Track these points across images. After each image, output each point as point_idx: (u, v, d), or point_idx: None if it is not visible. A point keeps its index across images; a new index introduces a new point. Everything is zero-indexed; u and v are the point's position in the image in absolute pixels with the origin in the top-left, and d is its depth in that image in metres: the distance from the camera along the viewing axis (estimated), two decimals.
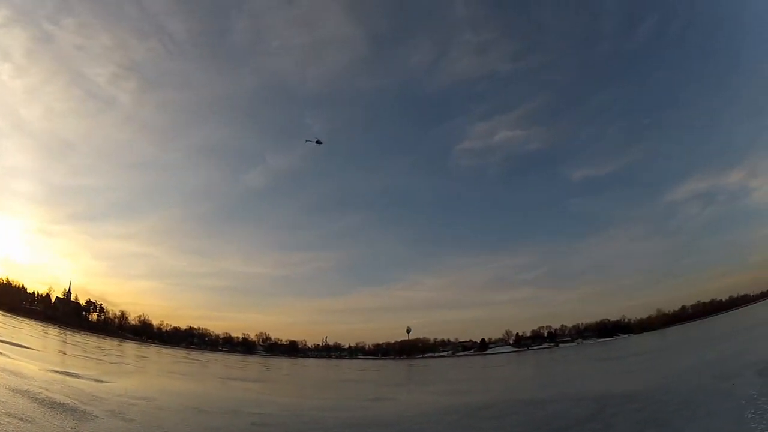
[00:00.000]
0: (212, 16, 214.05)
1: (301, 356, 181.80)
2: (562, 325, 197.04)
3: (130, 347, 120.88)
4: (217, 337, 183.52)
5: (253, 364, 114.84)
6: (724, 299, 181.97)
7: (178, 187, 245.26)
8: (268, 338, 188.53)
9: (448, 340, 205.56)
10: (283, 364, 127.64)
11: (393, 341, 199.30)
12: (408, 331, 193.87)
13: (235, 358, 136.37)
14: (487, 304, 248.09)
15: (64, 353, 62.89)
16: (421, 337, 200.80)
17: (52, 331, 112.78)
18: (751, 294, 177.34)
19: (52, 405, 22.36)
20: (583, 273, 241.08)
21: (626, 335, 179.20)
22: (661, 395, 27.94)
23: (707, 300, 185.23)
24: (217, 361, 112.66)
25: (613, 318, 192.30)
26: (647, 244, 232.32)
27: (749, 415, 18.63)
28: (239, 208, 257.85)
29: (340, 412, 31.13)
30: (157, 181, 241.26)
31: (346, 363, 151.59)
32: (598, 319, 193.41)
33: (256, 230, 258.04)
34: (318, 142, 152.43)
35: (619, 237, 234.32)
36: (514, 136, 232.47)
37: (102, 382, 35.15)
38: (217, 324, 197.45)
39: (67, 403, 23.45)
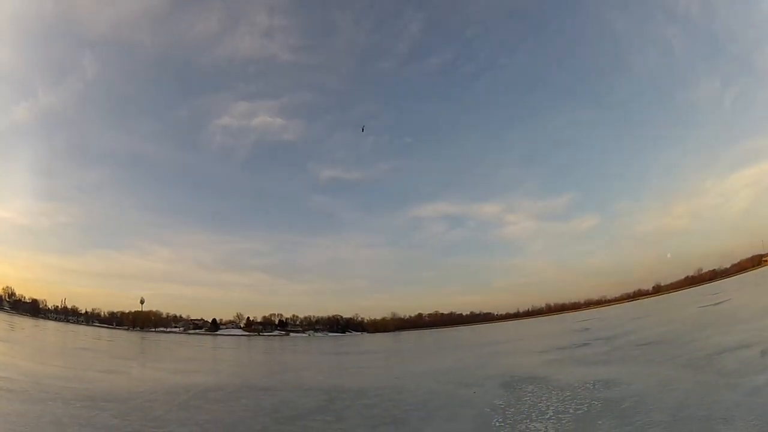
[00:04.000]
0: None
1: (42, 317, 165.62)
2: (294, 315, 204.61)
3: None
4: None
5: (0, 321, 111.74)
6: (464, 313, 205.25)
7: None
8: (13, 293, 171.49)
9: (180, 317, 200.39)
10: (26, 324, 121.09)
11: (127, 311, 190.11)
12: (141, 302, 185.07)
13: None
14: (218, 284, 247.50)
15: None
16: (154, 309, 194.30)
17: None
18: (495, 314, 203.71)
19: None
20: (317, 268, 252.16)
21: (359, 333, 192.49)
22: (394, 394, 28.55)
23: (446, 312, 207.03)
24: None
25: (345, 315, 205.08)
26: (385, 251, 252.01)
27: (497, 423, 19.29)
28: (2, 143, 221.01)
29: (77, 383, 29.87)
30: None
31: (82, 329, 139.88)
32: (331, 314, 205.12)
33: (13, 170, 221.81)
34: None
35: (357, 240, 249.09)
36: (272, 122, 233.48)
37: None
38: None
39: None
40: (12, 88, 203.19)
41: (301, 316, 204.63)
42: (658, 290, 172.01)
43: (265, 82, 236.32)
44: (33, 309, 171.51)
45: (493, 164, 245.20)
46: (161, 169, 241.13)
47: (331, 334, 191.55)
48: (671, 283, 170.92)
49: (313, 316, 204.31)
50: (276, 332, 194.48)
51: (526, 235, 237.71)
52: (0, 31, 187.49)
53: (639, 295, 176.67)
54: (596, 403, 20.74)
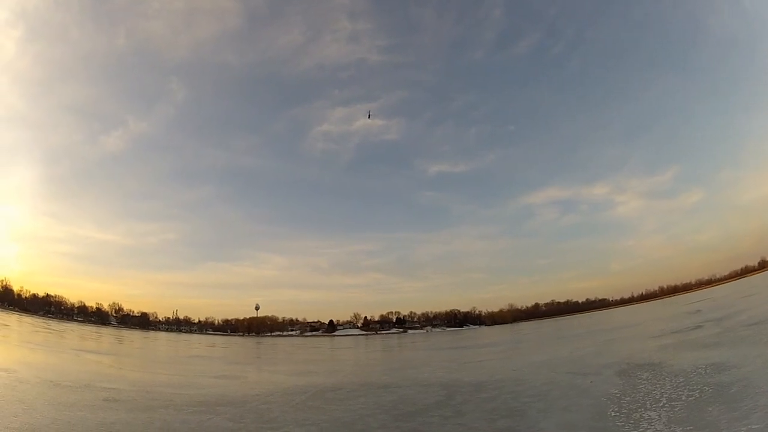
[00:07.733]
0: None
1: (153, 329, 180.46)
2: (411, 312, 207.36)
3: None
4: (73, 306, 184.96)
5: (107, 335, 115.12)
6: (580, 301, 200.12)
7: (40, 146, 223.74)
8: (120, 309, 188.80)
9: (297, 320, 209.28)
10: (134, 336, 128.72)
11: (242, 318, 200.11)
12: (257, 308, 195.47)
13: (89, 329, 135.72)
14: (334, 287, 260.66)
15: None
16: (269, 315, 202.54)
17: None
18: (611, 299, 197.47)
19: None
20: (432, 263, 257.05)
21: (476, 326, 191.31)
22: (512, 386, 28.96)
23: (562, 300, 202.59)
24: (72, 331, 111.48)
25: (463, 309, 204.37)
26: (499, 241, 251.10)
27: (612, 413, 19.41)
28: (96, 172, 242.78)
29: (189, 390, 31.07)
30: (22, 137, 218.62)
31: (195, 338, 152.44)
32: (448, 308, 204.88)
33: (111, 196, 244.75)
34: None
35: (471, 233, 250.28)
36: (373, 124, 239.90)
37: None
38: (71, 292, 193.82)
39: None
40: (99, 121, 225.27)
41: (419, 312, 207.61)
42: (763, 265, 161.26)
43: (360, 85, 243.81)
44: (142, 322, 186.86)
45: (597, 144, 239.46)
46: (266, 180, 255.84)
47: (449, 328, 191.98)
48: None
49: (431, 312, 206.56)
50: (393, 330, 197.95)
51: (636, 215, 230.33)
52: (75, 71, 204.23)
53: (747, 271, 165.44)
54: (707, 388, 20.78)
